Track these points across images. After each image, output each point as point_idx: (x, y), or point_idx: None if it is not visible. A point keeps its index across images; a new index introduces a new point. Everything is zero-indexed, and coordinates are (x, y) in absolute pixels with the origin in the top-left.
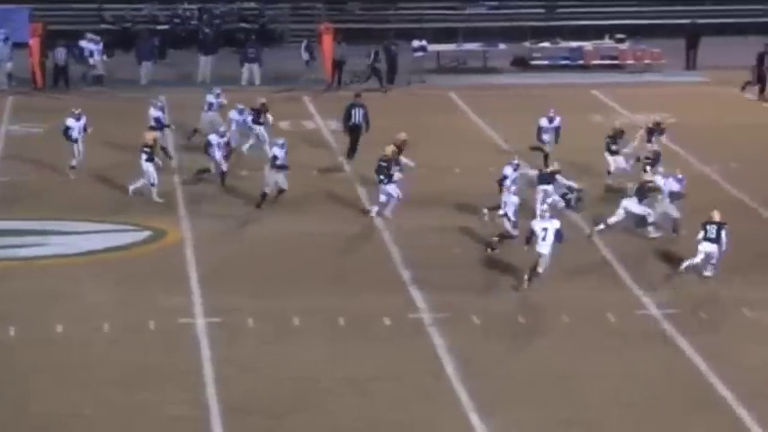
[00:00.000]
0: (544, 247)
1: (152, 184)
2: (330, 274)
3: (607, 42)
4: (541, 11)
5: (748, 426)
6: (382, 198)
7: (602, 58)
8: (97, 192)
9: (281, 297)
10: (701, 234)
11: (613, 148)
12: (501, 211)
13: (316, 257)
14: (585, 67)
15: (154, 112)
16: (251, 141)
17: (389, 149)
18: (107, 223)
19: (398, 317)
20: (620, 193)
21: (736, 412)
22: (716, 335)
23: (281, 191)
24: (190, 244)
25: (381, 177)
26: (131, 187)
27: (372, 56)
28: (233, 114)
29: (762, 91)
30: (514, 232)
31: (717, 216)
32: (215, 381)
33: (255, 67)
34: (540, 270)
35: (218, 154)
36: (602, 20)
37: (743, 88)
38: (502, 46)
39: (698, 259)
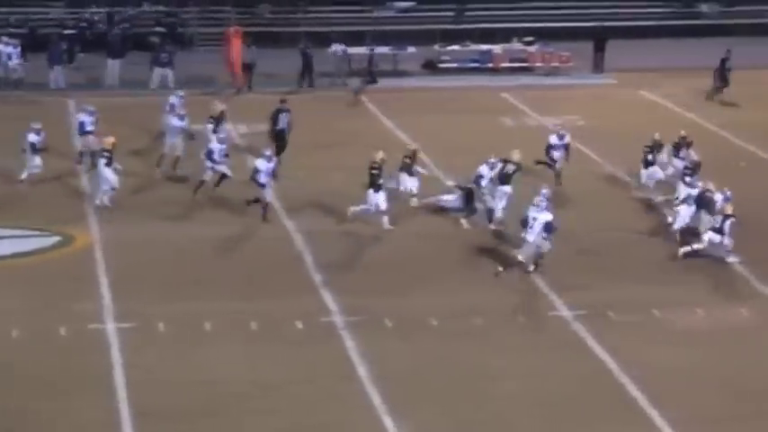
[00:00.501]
0: (530, 234)
1: (112, 189)
2: (242, 278)
3: (516, 45)
4: (450, 14)
5: (659, 426)
6: (366, 206)
7: (511, 61)
8: (5, 197)
9: (191, 301)
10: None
11: (650, 158)
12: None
13: (227, 261)
14: (495, 70)
15: (82, 117)
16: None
17: (379, 156)
18: (14, 229)
19: (310, 320)
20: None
21: (646, 413)
22: (626, 335)
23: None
24: (99, 249)
25: (378, 183)
26: (97, 201)
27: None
28: (175, 121)
29: (718, 91)
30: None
31: (728, 209)
32: (126, 386)
33: (169, 71)
34: (520, 258)
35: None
36: (511, 23)
37: (714, 93)
38: (411, 49)
39: (701, 245)
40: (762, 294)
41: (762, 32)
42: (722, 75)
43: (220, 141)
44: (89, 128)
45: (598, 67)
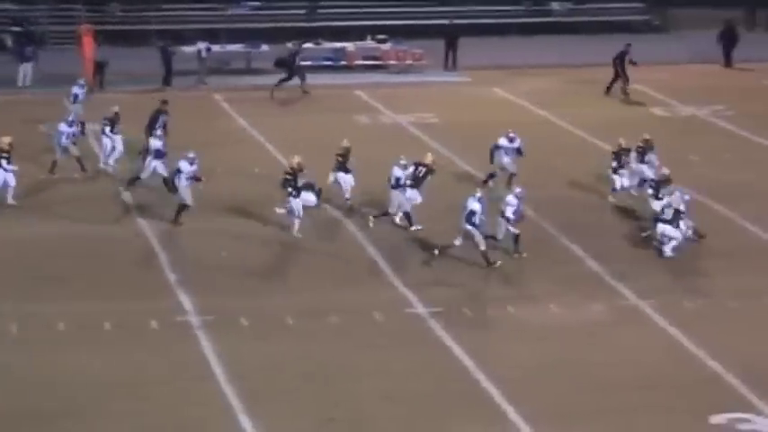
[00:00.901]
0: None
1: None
2: (95, 278)
3: (369, 43)
4: (303, 12)
5: (514, 421)
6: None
7: (364, 59)
8: None
9: (44, 301)
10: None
11: (614, 165)
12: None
13: (80, 261)
14: (348, 68)
15: None
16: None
17: (295, 161)
18: None
19: (165, 320)
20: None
21: (502, 409)
22: (481, 332)
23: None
24: None
25: (290, 190)
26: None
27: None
28: (62, 127)
29: (610, 87)
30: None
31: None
32: None
33: (30, 66)
34: (498, 237)
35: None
36: (364, 20)
37: (622, 90)
38: (265, 47)
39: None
40: (615, 291)
41: (609, 30)
42: (623, 70)
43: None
44: None
45: (451, 64)
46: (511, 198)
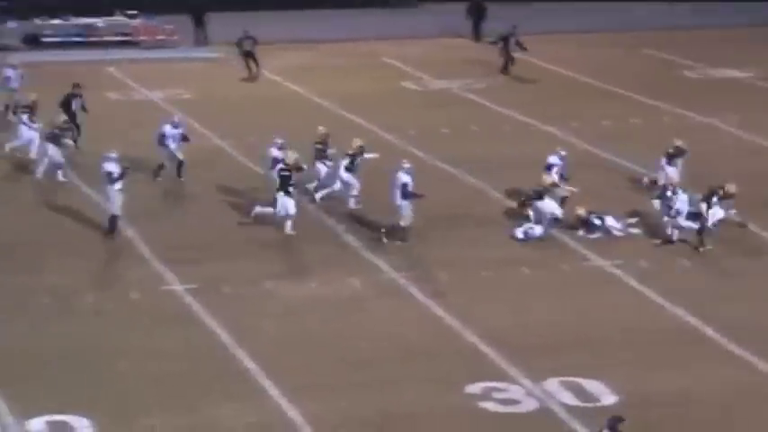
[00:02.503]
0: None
1: None
2: None
3: (119, 18)
4: None
5: (273, 396)
6: (281, 212)
7: (115, 35)
8: None
9: None
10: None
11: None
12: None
13: None
14: (99, 44)
15: None
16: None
17: (292, 157)
18: None
19: None
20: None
21: (260, 384)
22: (239, 309)
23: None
24: None
25: (287, 189)
26: None
27: None
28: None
29: (504, 67)
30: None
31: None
32: None
33: None
34: (401, 223)
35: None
36: None
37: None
38: (12, 23)
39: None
40: (372, 264)
41: (363, 4)
42: (507, 50)
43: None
44: None
45: (202, 39)
46: (402, 174)
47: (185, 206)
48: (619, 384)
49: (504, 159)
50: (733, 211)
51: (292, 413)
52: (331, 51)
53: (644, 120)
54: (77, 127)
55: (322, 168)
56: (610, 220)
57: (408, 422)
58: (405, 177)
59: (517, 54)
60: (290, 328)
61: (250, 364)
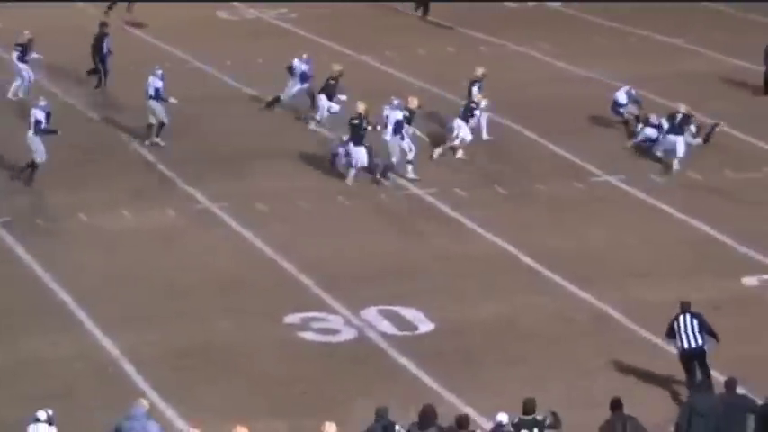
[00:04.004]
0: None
1: None
2: None
3: None
4: None
5: (88, 328)
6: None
7: None
8: None
9: None
10: None
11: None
12: None
13: None
14: None
15: None
16: (17, 82)
17: (362, 107)
18: None
19: None
20: None
21: (76, 315)
22: (53, 241)
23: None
24: None
25: (358, 138)
26: None
27: None
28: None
29: None
30: None
31: None
32: None
33: None
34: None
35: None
36: None
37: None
38: None
39: None
40: (188, 195)
41: None
42: None
43: None
44: None
45: None
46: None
47: None
48: (435, 312)
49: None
50: None
51: (109, 345)
52: None
53: (457, 49)
54: (105, 70)
55: None
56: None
57: (226, 353)
58: None
59: None
60: (105, 259)
61: (65, 296)
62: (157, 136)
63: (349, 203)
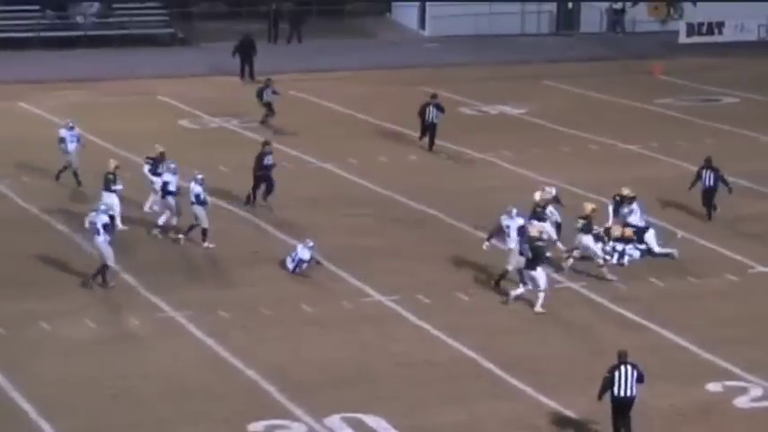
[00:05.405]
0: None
1: None
2: None
3: None
4: None
5: None
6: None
7: None
8: None
9: None
10: None
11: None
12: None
13: None
14: None
15: None
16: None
17: (589, 207)
18: None
19: None
20: None
21: (38, 425)
22: (15, 349)
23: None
24: None
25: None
26: None
27: None
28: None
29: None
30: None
31: None
32: None
33: None
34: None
35: None
36: None
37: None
38: None
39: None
40: (150, 303)
41: (135, 43)
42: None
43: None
44: None
45: None
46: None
47: None
48: (398, 419)
49: (286, 197)
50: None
51: None
52: (106, 90)
53: (419, 157)
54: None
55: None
56: None
57: None
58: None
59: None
60: (66, 367)
61: (26, 405)
62: (204, 241)
63: (311, 310)
